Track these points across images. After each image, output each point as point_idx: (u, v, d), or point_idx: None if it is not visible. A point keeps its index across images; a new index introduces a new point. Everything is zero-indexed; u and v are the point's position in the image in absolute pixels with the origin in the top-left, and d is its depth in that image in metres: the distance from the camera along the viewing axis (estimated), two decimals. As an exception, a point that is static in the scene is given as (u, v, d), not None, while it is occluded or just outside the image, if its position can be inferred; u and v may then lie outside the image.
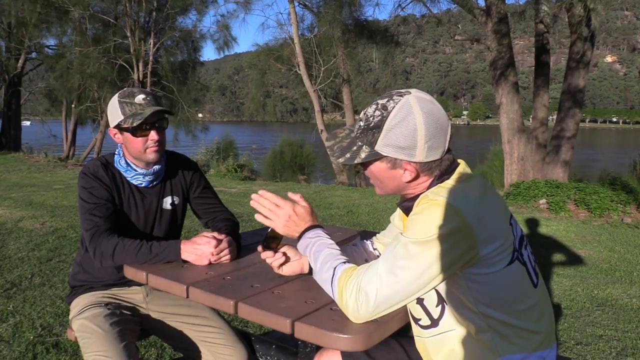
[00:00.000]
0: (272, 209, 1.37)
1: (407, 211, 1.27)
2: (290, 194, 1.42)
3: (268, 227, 1.42)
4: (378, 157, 1.21)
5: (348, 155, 1.23)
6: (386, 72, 13.78)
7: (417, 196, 1.23)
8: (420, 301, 1.22)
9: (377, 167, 1.24)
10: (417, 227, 1.11)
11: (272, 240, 1.45)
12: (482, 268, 1.11)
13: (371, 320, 1.19)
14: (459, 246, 1.09)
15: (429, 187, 1.22)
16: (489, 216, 1.13)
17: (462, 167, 1.25)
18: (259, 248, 1.47)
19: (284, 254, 1.47)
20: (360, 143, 1.22)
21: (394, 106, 1.17)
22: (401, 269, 1.11)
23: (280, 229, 1.37)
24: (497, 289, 1.13)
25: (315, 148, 14.31)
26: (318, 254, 1.29)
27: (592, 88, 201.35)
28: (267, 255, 1.46)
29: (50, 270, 3.83)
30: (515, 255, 1.16)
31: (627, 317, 3.30)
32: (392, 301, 1.13)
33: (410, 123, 1.15)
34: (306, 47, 12.54)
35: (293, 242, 1.48)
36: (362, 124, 1.22)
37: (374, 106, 1.20)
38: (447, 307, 1.17)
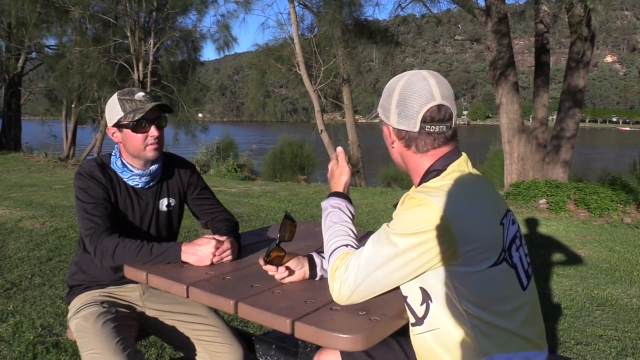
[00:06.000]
0: (333, 166, 1.54)
1: None
2: (339, 149, 1.57)
3: (268, 228, 1.42)
4: (378, 116, 1.35)
5: (374, 114, 1.39)
6: (386, 72, 13.75)
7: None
8: (404, 299, 1.24)
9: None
10: (399, 220, 1.18)
11: (276, 255, 1.43)
12: (464, 266, 1.13)
13: (371, 320, 1.20)
14: (437, 241, 1.12)
15: (423, 177, 1.28)
16: (472, 214, 1.15)
17: (459, 163, 1.27)
18: (260, 261, 1.45)
19: (287, 268, 1.46)
20: None
21: (398, 75, 1.31)
22: (382, 258, 1.17)
23: (329, 175, 1.54)
24: (481, 288, 1.14)
25: (315, 148, 14.31)
26: (332, 225, 1.39)
27: (592, 88, 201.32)
28: (270, 269, 1.46)
29: (50, 270, 3.83)
30: (502, 256, 1.16)
31: (627, 317, 3.30)
32: (371, 287, 1.21)
33: (392, 87, 1.28)
34: (306, 47, 12.54)
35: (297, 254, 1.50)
36: None
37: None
38: (432, 306, 1.18)
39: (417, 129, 1.24)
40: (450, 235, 1.11)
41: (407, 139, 1.27)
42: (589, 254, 4.98)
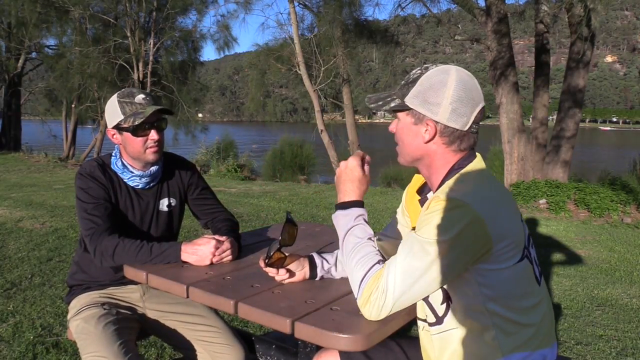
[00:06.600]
0: (355, 166, 1.36)
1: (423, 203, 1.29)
2: (368, 157, 1.41)
3: (268, 228, 1.41)
4: (405, 108, 1.24)
5: (380, 102, 1.29)
6: (386, 72, 13.76)
7: (437, 182, 1.25)
8: (425, 298, 1.23)
9: (403, 121, 1.27)
10: (431, 226, 1.11)
11: (277, 258, 1.42)
12: (493, 264, 1.12)
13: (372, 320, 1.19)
14: (473, 243, 1.10)
15: (446, 175, 1.23)
16: (502, 212, 1.15)
17: (477, 162, 1.25)
18: (261, 263, 1.44)
19: (288, 270, 1.45)
20: (395, 96, 1.27)
21: (435, 67, 1.23)
22: (419, 270, 1.12)
23: (338, 175, 1.38)
24: (506, 285, 1.14)
25: (315, 148, 14.30)
26: (359, 241, 1.27)
27: (592, 88, 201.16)
28: (270, 272, 1.45)
29: (50, 270, 3.83)
30: (525, 253, 1.17)
31: (627, 317, 3.30)
32: (410, 300, 1.15)
33: (442, 81, 1.20)
34: (306, 47, 12.53)
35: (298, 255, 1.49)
36: (402, 82, 1.28)
37: (418, 68, 1.26)
38: (452, 305, 1.17)
39: (466, 128, 1.20)
40: (486, 235, 1.09)
41: (452, 137, 1.21)
42: (589, 254, 4.98)
